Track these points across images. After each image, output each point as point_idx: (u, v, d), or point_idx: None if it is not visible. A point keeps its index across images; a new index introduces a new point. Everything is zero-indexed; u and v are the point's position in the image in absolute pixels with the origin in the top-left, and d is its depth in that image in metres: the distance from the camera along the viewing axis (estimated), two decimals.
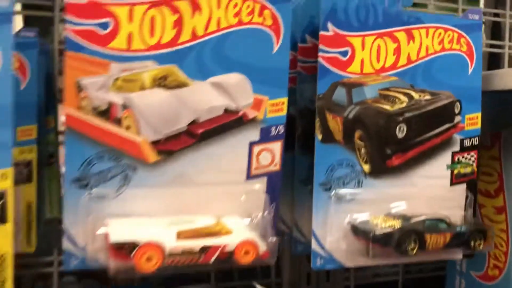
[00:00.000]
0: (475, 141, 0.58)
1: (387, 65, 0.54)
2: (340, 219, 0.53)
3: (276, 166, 0.51)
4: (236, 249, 0.45)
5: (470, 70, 0.58)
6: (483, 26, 1.20)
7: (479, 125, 0.58)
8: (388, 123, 0.54)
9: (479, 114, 0.58)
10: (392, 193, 0.55)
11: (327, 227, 0.52)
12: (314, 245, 0.52)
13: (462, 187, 0.58)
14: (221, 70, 0.48)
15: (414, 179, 0.56)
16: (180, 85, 0.47)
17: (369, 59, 0.54)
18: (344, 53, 0.52)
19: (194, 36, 0.47)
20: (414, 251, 0.50)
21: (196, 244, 0.44)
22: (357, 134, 0.53)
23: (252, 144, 0.50)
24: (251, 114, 0.50)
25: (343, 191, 0.53)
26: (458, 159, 0.58)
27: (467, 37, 0.58)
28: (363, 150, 0.54)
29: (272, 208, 0.52)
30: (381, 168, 0.54)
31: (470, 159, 0.58)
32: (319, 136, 0.52)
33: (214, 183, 0.49)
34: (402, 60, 0.55)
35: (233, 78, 0.49)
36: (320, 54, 0.51)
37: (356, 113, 0.53)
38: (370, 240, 0.49)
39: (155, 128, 0.46)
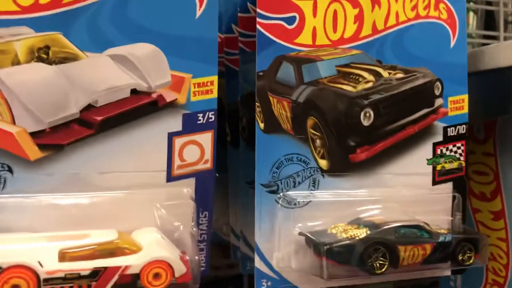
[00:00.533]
0: (462, 130, 0.47)
1: (346, 35, 0.44)
2: (290, 229, 0.41)
3: (207, 164, 0.40)
4: (142, 271, 0.34)
5: (452, 43, 0.47)
6: (475, 16, 1.10)
7: (466, 110, 0.47)
8: (351, 108, 0.43)
9: (465, 97, 0.47)
10: (358, 196, 0.44)
11: (275, 240, 0.41)
12: (257, 263, 0.41)
13: (448, 186, 0.47)
14: (123, 39, 0.37)
15: (386, 177, 0.45)
16: (68, 58, 0.36)
17: (323, 28, 0.43)
18: (290, 20, 0.42)
19: None
20: (384, 268, 0.39)
21: (85, 266, 0.33)
22: (310, 121, 0.43)
23: (172, 136, 0.39)
24: (169, 96, 0.39)
25: (293, 193, 0.42)
26: (442, 151, 0.47)
27: (447, 3, 0.47)
28: (318, 142, 0.43)
29: (205, 218, 0.41)
30: (342, 164, 0.43)
31: (456, 151, 0.47)
32: (260, 125, 0.41)
33: (121, 187, 0.37)
34: (366, 30, 0.44)
35: (142, 50, 0.38)
36: (259, 20, 0.40)
37: (309, 95, 0.42)
38: (323, 255, 0.38)
39: (35, 115, 0.35)
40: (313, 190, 0.42)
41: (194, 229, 0.39)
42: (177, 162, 0.39)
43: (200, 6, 0.39)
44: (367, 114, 0.44)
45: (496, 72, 0.50)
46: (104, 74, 0.37)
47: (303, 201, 0.42)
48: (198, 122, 0.39)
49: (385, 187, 0.45)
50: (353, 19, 0.44)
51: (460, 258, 0.41)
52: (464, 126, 0.47)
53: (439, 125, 0.47)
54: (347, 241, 0.38)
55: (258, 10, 0.40)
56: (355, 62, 0.44)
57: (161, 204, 0.38)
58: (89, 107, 0.37)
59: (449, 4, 0.47)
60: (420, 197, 0.45)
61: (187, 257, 0.36)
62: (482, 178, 0.57)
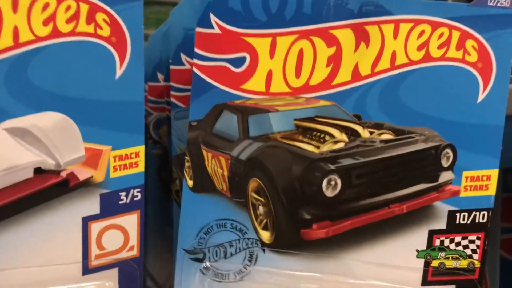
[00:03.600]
0: (482, 217, 0.34)
1: (314, 81, 0.34)
2: None
3: (132, 251, 0.34)
4: None
5: (481, 96, 0.33)
6: None
7: (492, 191, 0.34)
8: (309, 172, 0.34)
9: (494, 172, 0.34)
10: (307, 281, 0.35)
11: None
12: None
13: None
14: (23, 108, 0.31)
15: (352, 265, 0.35)
16: None
17: (282, 72, 0.34)
18: (237, 61, 0.34)
19: None
20: None
21: None
22: (253, 184, 0.35)
23: (88, 221, 0.33)
24: (83, 174, 0.33)
25: (223, 266, 0.36)
26: (442, 243, 0.34)
27: (480, 39, 0.33)
28: (261, 209, 0.35)
29: None
30: (291, 240, 0.35)
31: (467, 246, 0.34)
32: (188, 182, 0.35)
33: (24, 286, 0.32)
34: (343, 75, 0.34)
35: (47, 120, 0.32)
36: (196, 62, 0.34)
37: (254, 152, 0.35)
38: None
39: None
40: (249, 266, 0.36)
41: None
42: (94, 251, 0.33)
43: (121, 64, 0.32)
44: (332, 182, 0.34)
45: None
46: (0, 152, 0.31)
47: (235, 278, 0.36)
48: (120, 202, 0.34)
49: (351, 278, 0.35)
50: (325, 62, 0.34)
51: None
52: (486, 213, 0.34)
53: (442, 207, 0.34)
54: None
55: (196, 50, 0.34)
56: (322, 116, 0.35)
57: None
58: None
59: (483, 41, 0.33)
60: None
61: None
62: None
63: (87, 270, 0.34)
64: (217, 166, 0.35)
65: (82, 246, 0.33)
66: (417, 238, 0.34)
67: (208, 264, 0.36)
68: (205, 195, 0.36)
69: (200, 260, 0.36)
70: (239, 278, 0.36)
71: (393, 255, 0.35)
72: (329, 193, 0.34)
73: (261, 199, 0.35)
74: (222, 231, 0.36)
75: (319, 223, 0.35)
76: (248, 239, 0.35)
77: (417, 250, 0.34)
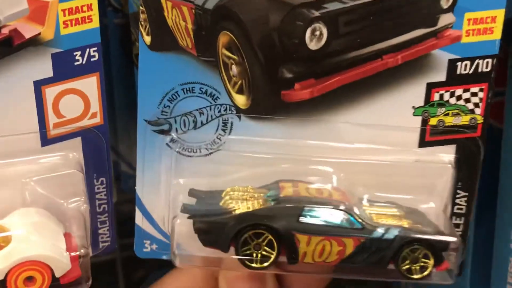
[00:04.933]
0: (485, 66, 0.30)
1: None
2: (184, 185, 0.31)
3: (95, 118, 0.31)
4: (9, 276, 0.26)
5: None
6: None
7: (497, 35, 0.30)
8: (290, 21, 0.29)
9: (499, 13, 0.29)
10: (291, 149, 0.31)
11: (162, 194, 0.31)
12: (139, 220, 0.32)
13: (447, 151, 0.31)
14: None
15: (342, 128, 0.31)
16: None
17: None
18: None
19: None
20: (268, 262, 0.27)
21: None
22: (224, 38, 0.30)
23: (40, 85, 0.29)
24: (29, 31, 0.28)
25: (193, 137, 0.31)
26: (442, 97, 0.30)
27: None
28: (234, 69, 0.30)
29: (103, 185, 0.32)
30: (270, 104, 0.30)
31: (469, 100, 0.31)
32: (145, 39, 0.30)
33: None
34: None
35: None
36: None
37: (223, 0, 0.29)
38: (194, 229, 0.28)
39: None
40: (223, 135, 0.31)
41: (85, 205, 0.30)
42: (52, 119, 0.30)
43: None
44: (317, 33, 0.29)
45: None
46: None
47: (207, 150, 0.31)
48: (76, 63, 0.30)
49: (338, 142, 0.31)
50: None
51: (405, 267, 0.27)
52: (490, 60, 0.30)
53: (443, 56, 0.30)
54: (217, 217, 0.27)
55: None
56: None
57: (35, 177, 0.30)
58: None
59: None
60: (395, 165, 0.31)
61: (75, 242, 0.28)
62: None
63: (46, 140, 0.30)
64: (179, 17, 0.30)
65: (37, 114, 0.30)
66: (414, 93, 0.30)
67: (175, 136, 0.31)
68: (167, 54, 0.30)
69: (166, 132, 0.31)
70: (212, 150, 0.31)
71: (386, 115, 0.30)
72: (313, 45, 0.29)
73: (233, 56, 0.30)
74: (190, 97, 0.30)
75: (302, 82, 0.30)
76: (221, 105, 0.30)
77: (413, 107, 0.30)
